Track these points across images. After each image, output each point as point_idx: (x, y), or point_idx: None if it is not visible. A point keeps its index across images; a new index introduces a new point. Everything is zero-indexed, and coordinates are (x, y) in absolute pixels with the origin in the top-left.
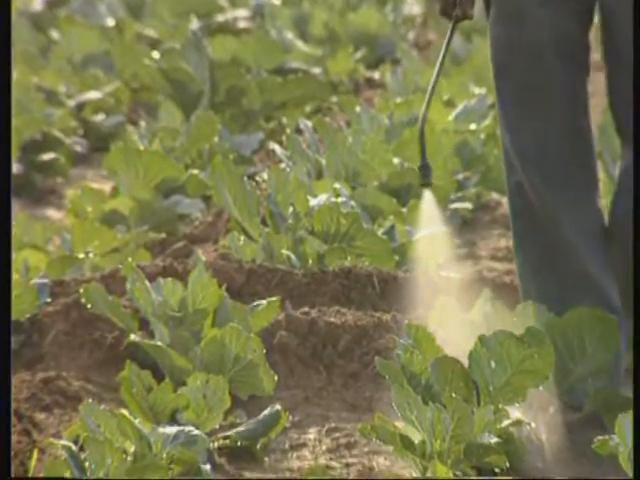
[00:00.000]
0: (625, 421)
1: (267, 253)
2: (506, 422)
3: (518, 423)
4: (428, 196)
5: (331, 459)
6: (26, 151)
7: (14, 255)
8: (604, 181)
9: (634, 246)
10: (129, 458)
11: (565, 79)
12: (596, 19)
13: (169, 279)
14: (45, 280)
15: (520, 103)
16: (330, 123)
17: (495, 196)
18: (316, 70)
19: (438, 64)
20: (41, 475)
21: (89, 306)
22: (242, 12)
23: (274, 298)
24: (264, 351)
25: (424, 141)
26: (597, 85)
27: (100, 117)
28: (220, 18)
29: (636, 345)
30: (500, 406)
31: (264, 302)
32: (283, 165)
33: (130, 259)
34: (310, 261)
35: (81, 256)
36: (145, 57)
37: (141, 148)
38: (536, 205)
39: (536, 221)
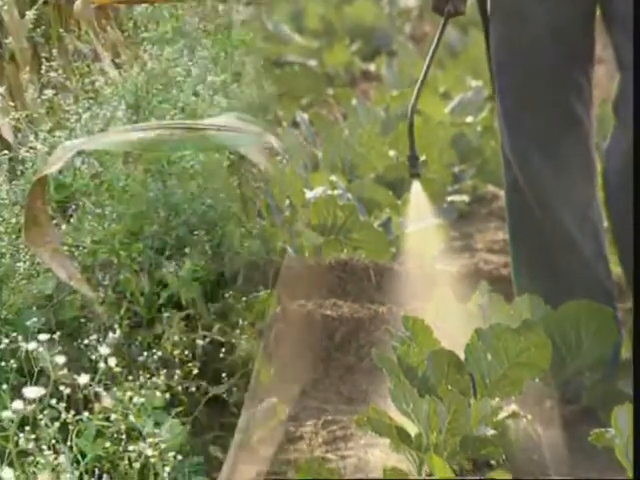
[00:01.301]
0: (621, 414)
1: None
2: (502, 415)
3: (514, 416)
4: (424, 189)
5: (327, 452)
6: None
7: None
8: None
9: (634, 246)
10: None
11: (566, 76)
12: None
13: None
14: None
15: (520, 100)
16: (326, 116)
17: (491, 189)
18: (312, 63)
19: (428, 59)
20: None
21: None
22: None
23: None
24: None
25: (413, 132)
26: (595, 77)
27: None
28: None
29: (636, 340)
30: (497, 399)
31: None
32: (279, 158)
33: None
34: (307, 253)
35: None
36: None
37: None
38: (532, 201)
39: (532, 216)
